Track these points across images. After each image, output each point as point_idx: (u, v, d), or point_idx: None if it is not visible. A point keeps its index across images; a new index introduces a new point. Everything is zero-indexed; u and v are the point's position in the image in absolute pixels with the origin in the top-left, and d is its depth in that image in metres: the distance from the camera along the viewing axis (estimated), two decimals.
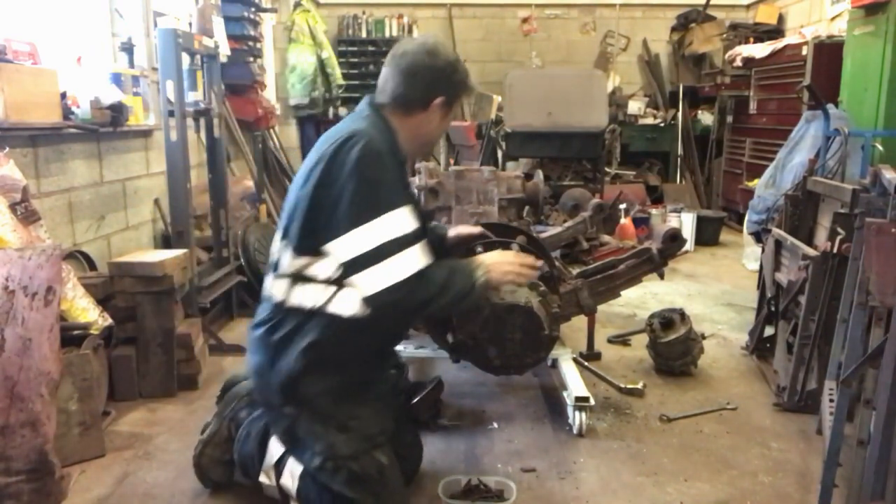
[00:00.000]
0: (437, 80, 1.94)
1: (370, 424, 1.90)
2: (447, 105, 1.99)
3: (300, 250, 1.85)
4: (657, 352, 3.19)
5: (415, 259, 1.78)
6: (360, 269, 1.76)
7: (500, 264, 2.03)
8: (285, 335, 1.87)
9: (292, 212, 1.87)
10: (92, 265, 3.24)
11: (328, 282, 1.83)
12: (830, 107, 4.28)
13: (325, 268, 1.83)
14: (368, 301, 1.79)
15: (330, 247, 1.79)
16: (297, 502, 1.94)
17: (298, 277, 1.86)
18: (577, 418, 2.58)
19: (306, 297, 1.85)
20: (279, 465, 1.96)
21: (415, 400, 2.35)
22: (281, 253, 1.90)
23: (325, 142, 1.88)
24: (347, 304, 1.83)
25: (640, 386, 2.96)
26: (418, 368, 3.16)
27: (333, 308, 1.83)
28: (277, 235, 1.94)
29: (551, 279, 2.44)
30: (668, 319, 3.17)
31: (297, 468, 1.92)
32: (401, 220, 1.78)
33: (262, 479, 2.03)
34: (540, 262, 2.20)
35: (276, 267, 1.92)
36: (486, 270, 1.97)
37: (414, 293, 1.79)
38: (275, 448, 1.99)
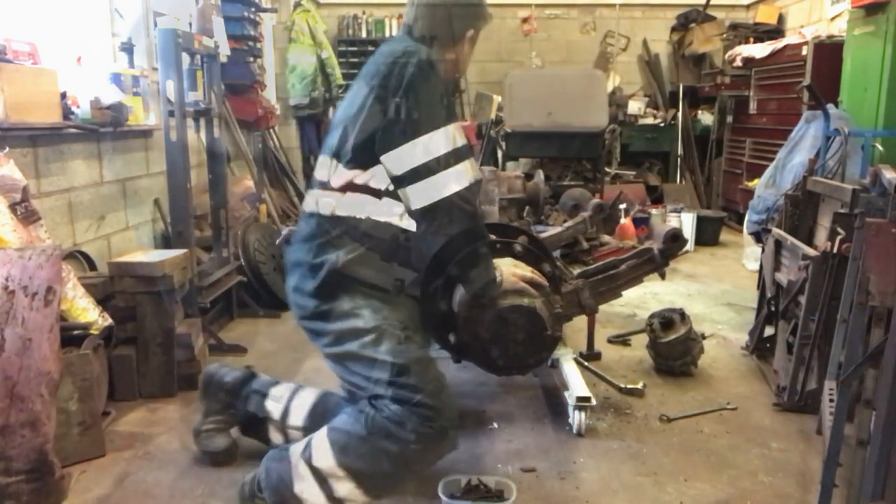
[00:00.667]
0: (467, 16, 2.04)
1: (400, 312, 1.92)
2: (475, 37, 2.09)
3: (354, 163, 1.88)
4: (657, 352, 3.20)
5: (465, 173, 1.82)
6: (414, 181, 1.80)
7: (513, 272, 2.14)
8: (332, 240, 1.89)
9: (345, 129, 1.90)
10: (92, 265, 3.24)
11: (381, 192, 1.86)
12: (830, 107, 4.28)
13: (378, 177, 1.86)
14: (420, 212, 1.83)
15: (385, 158, 1.83)
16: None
17: (350, 187, 1.88)
18: (576, 418, 2.58)
19: (356, 205, 1.87)
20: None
21: None
22: (330, 171, 1.92)
23: (377, 61, 1.90)
24: (398, 211, 1.87)
25: (640, 386, 2.96)
26: None
27: (385, 216, 1.86)
28: (324, 157, 1.96)
29: (553, 279, 2.44)
30: (668, 319, 3.17)
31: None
32: (452, 136, 1.81)
33: (269, 403, 2.22)
34: (544, 282, 2.28)
35: (323, 185, 1.94)
36: (501, 272, 2.08)
37: (464, 205, 1.82)
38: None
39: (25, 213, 2.49)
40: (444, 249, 1.90)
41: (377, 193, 1.87)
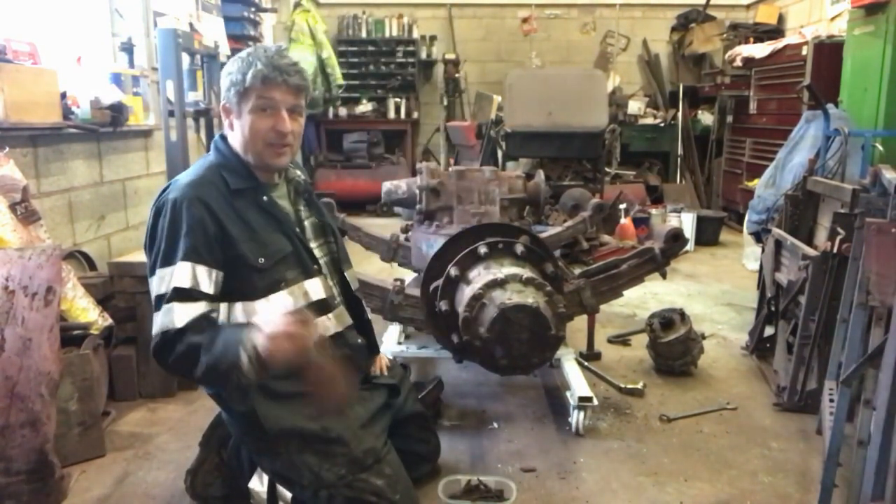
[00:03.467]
0: (235, 79, 1.80)
1: (353, 448, 1.82)
2: (250, 98, 1.80)
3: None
4: (657, 352, 3.19)
5: (166, 317, 1.67)
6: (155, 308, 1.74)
7: (272, 336, 1.60)
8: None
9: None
10: (92, 265, 3.24)
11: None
12: (830, 107, 4.28)
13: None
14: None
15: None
16: None
17: None
18: (576, 418, 2.58)
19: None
20: None
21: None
22: None
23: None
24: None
25: (640, 386, 2.96)
26: (419, 368, 3.16)
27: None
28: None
29: (556, 279, 2.44)
30: (668, 319, 3.17)
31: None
32: (172, 277, 1.69)
33: (254, 483, 2.01)
34: (313, 321, 1.70)
35: None
36: (255, 344, 1.60)
37: (161, 352, 1.69)
38: None
39: (25, 213, 2.49)
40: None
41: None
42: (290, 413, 1.80)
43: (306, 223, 2.02)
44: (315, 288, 1.90)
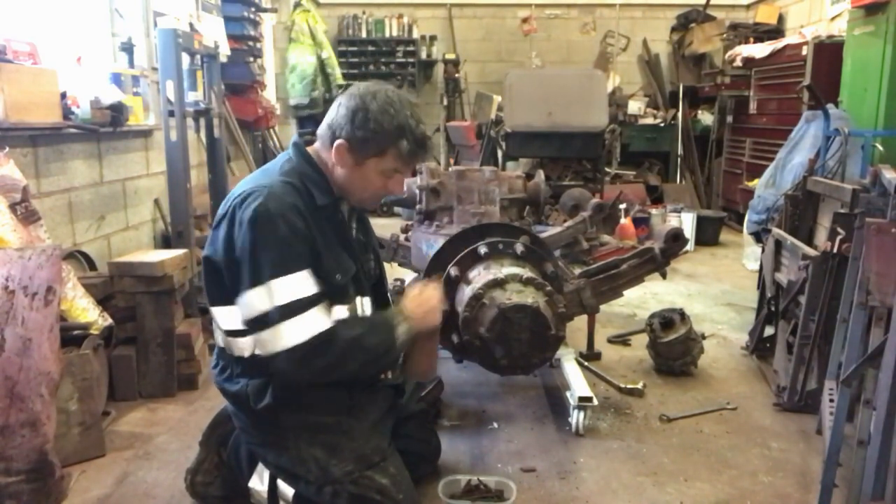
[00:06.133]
0: (378, 136, 1.79)
1: (362, 445, 1.84)
2: (381, 167, 1.83)
3: (212, 302, 1.86)
4: (657, 352, 3.19)
5: (307, 324, 1.69)
6: (256, 330, 1.73)
7: (422, 306, 1.94)
8: (236, 380, 1.86)
9: (208, 248, 1.85)
10: (92, 265, 3.24)
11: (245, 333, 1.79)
12: (830, 107, 4.28)
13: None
14: (269, 361, 1.75)
15: (238, 305, 1.76)
16: None
17: (229, 330, 1.85)
18: (576, 418, 2.58)
19: (242, 346, 1.83)
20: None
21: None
22: (207, 295, 1.89)
23: (234, 192, 1.83)
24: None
25: (640, 386, 2.96)
26: None
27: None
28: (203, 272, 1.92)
29: (556, 279, 2.44)
30: (668, 319, 3.17)
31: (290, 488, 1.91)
32: (292, 285, 1.69)
33: (254, 482, 2.01)
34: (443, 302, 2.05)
35: (208, 306, 1.91)
36: (408, 318, 1.88)
37: (312, 357, 1.71)
38: None
39: (25, 213, 2.49)
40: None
41: (246, 332, 1.79)
42: (306, 408, 1.83)
43: (356, 239, 2.03)
44: (367, 306, 1.95)
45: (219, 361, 1.93)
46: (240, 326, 1.78)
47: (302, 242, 1.73)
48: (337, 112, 1.82)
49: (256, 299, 1.70)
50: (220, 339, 1.90)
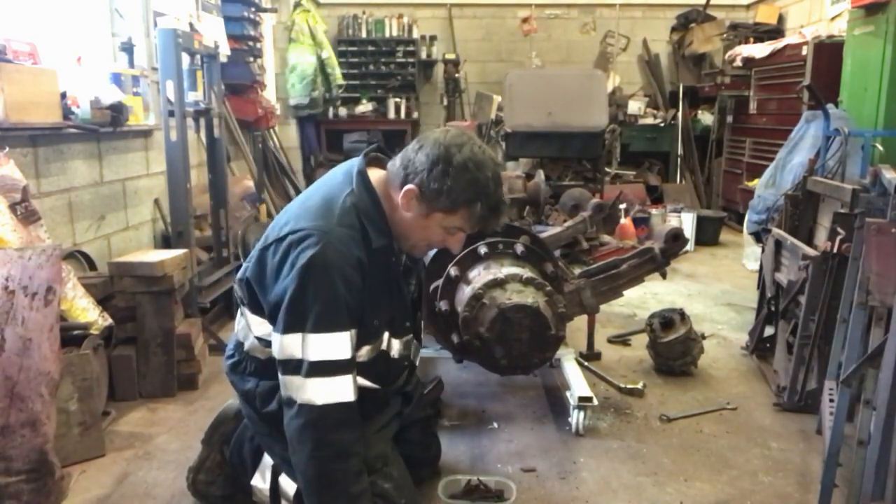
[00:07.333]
0: (453, 194, 1.70)
1: (366, 451, 1.80)
2: (449, 223, 1.77)
3: (254, 309, 1.83)
4: (657, 352, 3.19)
5: (328, 391, 1.64)
6: (286, 371, 1.68)
7: None
8: (248, 378, 1.87)
9: (252, 267, 1.79)
10: (92, 265, 3.24)
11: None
12: (830, 107, 4.28)
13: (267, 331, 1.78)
14: (284, 403, 1.71)
15: (272, 335, 1.73)
16: None
17: (249, 328, 1.84)
18: (576, 418, 2.58)
19: (257, 347, 1.83)
20: (277, 468, 1.96)
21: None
22: (244, 295, 1.85)
23: (291, 214, 1.75)
24: None
25: (640, 386, 2.96)
26: (419, 368, 3.15)
27: None
28: (240, 277, 1.87)
29: (556, 279, 2.44)
30: (668, 319, 3.17)
31: (293, 486, 1.91)
32: (334, 345, 1.65)
33: (256, 480, 2.01)
34: None
35: (241, 303, 1.88)
36: None
37: (324, 423, 1.65)
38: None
39: (25, 213, 2.49)
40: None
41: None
42: None
43: (404, 265, 1.98)
44: (395, 347, 1.93)
45: (234, 353, 1.93)
46: (269, 338, 1.75)
47: (354, 300, 1.67)
48: (416, 155, 1.72)
49: (292, 345, 1.65)
50: (241, 333, 1.89)
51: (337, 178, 1.83)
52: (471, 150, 1.72)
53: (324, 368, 1.64)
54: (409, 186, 1.72)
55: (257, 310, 1.81)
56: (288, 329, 1.65)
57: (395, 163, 1.78)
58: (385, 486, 1.83)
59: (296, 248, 1.66)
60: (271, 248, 1.73)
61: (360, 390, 1.75)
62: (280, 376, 1.70)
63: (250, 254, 1.83)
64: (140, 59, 3.88)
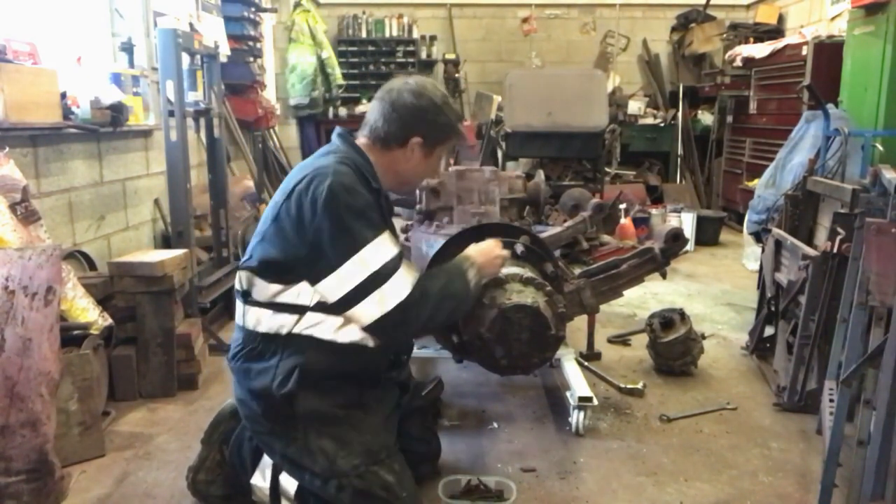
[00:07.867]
0: (417, 119, 1.93)
1: (371, 439, 1.87)
2: (427, 146, 1.98)
3: (273, 279, 1.83)
4: (657, 352, 3.20)
5: (403, 282, 1.80)
6: (353, 303, 1.78)
7: (484, 255, 2.10)
8: (267, 358, 1.85)
9: (264, 244, 1.84)
10: (92, 265, 3.24)
11: (307, 308, 1.82)
12: (830, 107, 4.28)
13: (302, 295, 1.81)
14: (369, 330, 1.82)
15: (320, 287, 1.79)
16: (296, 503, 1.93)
17: (274, 305, 1.84)
18: (576, 418, 2.58)
19: (284, 322, 1.83)
20: (277, 467, 1.96)
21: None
22: (250, 282, 1.87)
23: (291, 179, 1.87)
24: (333, 329, 1.82)
25: (640, 386, 2.96)
26: (419, 368, 3.15)
27: (318, 333, 1.82)
28: (242, 266, 1.90)
29: (556, 279, 2.44)
30: (668, 319, 3.17)
31: (293, 484, 1.91)
32: (381, 250, 1.79)
33: (256, 479, 2.01)
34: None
35: (245, 295, 1.89)
36: (474, 264, 2.04)
37: (413, 313, 1.82)
38: None
39: (25, 213, 2.49)
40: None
41: (302, 309, 1.82)
42: (322, 397, 1.85)
43: None
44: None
45: (244, 345, 1.90)
46: (296, 301, 1.81)
47: (375, 210, 1.84)
48: (389, 114, 1.93)
49: (351, 271, 1.76)
50: (251, 319, 1.88)
51: (322, 150, 2.01)
52: (423, 83, 1.98)
53: (389, 269, 1.78)
54: (415, 139, 1.94)
55: (278, 278, 1.82)
56: (341, 258, 1.76)
57: (371, 131, 1.97)
58: (387, 479, 1.84)
59: (307, 192, 1.78)
60: (283, 207, 1.81)
61: (359, 368, 1.90)
62: (354, 312, 1.79)
63: (256, 238, 1.89)
64: (140, 59, 3.88)
